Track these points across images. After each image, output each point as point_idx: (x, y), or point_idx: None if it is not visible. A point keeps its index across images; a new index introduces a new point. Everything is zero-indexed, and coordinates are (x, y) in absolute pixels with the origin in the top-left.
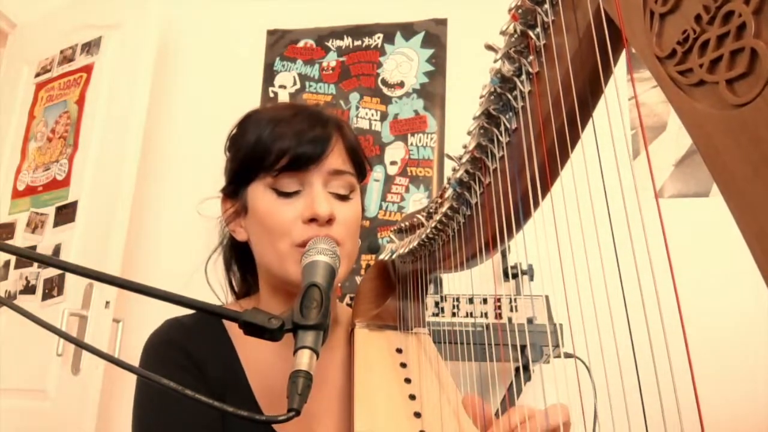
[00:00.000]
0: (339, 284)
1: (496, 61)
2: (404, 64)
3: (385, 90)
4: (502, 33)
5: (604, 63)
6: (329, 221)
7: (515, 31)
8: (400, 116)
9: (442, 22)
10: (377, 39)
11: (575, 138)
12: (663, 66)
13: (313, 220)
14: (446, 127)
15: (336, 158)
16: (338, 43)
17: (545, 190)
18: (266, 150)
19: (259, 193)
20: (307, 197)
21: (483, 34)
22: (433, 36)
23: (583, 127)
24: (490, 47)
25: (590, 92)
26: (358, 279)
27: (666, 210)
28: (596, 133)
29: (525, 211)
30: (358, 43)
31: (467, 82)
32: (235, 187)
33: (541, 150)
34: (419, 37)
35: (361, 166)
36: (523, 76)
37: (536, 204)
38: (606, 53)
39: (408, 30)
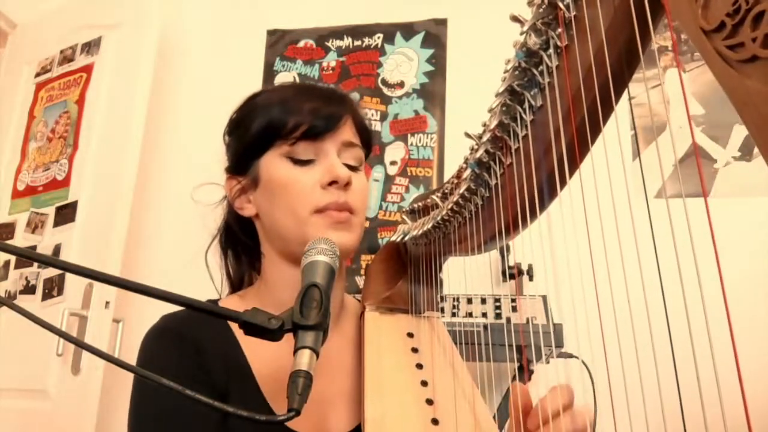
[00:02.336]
0: (351, 251)
1: (522, 33)
2: (404, 64)
3: (385, 90)
4: (530, 4)
5: (642, 34)
6: (347, 185)
7: (543, 1)
8: (400, 116)
9: (442, 22)
10: (377, 39)
11: (607, 114)
12: (709, 40)
13: (331, 183)
14: (446, 127)
15: (348, 131)
16: (338, 43)
17: (573, 169)
18: (282, 121)
19: (274, 163)
20: (323, 164)
21: (483, 34)
22: (433, 36)
23: (616, 102)
24: (515, 18)
25: (626, 66)
26: (358, 279)
27: (665, 210)
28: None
29: (550, 192)
30: (358, 43)
31: (467, 82)
32: (243, 163)
33: (569, 129)
34: (419, 37)
35: (368, 144)
36: (551, 50)
37: (563, 184)
38: (645, 24)
39: (408, 30)
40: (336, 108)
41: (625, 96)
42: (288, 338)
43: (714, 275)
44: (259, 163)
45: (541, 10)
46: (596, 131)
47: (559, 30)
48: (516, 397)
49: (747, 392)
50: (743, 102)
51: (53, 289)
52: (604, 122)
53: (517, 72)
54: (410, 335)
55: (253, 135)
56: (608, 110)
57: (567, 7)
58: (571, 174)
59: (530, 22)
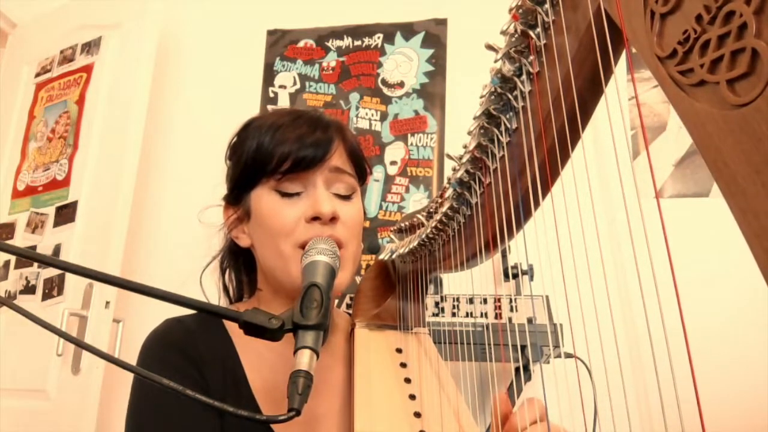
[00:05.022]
0: (343, 289)
1: (496, 60)
2: (404, 64)
3: (385, 90)
4: (503, 33)
5: (604, 63)
6: (332, 220)
7: (516, 30)
8: (400, 116)
9: (442, 22)
10: (377, 39)
11: (576, 138)
12: (664, 66)
13: (315, 219)
14: (446, 127)
15: (337, 159)
16: (338, 43)
17: (546, 189)
18: (269, 155)
19: (262, 197)
20: (309, 197)
21: (483, 34)
22: (433, 36)
23: (583, 127)
24: (490, 47)
25: (590, 92)
26: (358, 279)
27: (666, 210)
28: (597, 134)
29: (525, 210)
30: (358, 43)
31: (467, 82)
32: (237, 194)
33: (541, 150)
34: (419, 37)
35: (361, 169)
36: (524, 76)
37: (537, 204)
38: (606, 53)
39: (408, 30)
40: (322, 134)
41: (624, 95)
42: (288, 354)
43: (714, 275)
44: (251, 195)
45: (513, 39)
46: (566, 154)
47: (531, 57)
48: (496, 405)
49: (749, 389)
50: (693, 123)
51: (53, 289)
52: (573, 147)
53: (493, 97)
54: (399, 351)
55: (244, 168)
56: (576, 134)
57: (538, 36)
58: (544, 194)
59: (504, 50)
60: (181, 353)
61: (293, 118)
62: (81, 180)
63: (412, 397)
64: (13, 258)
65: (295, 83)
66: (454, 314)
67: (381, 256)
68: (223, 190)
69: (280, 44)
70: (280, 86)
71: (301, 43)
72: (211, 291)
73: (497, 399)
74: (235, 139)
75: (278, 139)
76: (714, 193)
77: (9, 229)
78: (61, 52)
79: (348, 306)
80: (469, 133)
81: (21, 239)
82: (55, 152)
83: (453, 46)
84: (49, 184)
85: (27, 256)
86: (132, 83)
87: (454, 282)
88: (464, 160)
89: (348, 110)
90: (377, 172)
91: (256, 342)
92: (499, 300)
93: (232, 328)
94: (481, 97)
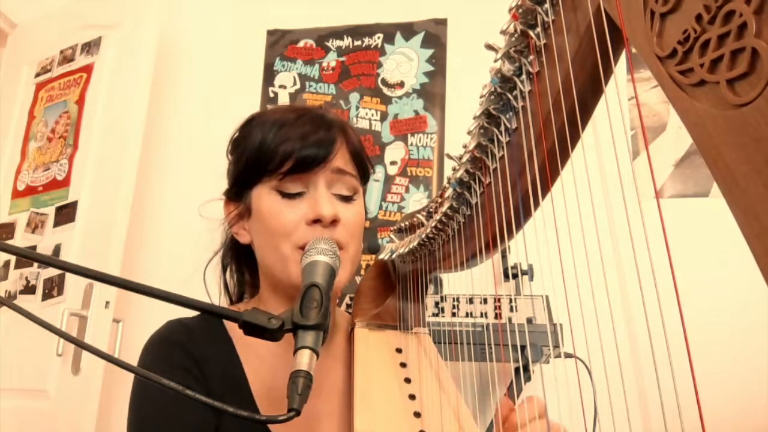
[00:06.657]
0: (342, 288)
1: (496, 60)
2: (404, 64)
3: (385, 90)
4: (503, 32)
5: (604, 63)
6: (333, 222)
7: (515, 30)
8: (400, 116)
9: (442, 22)
10: (377, 39)
11: (575, 138)
12: (664, 66)
13: (316, 221)
14: (446, 127)
15: (339, 159)
16: (338, 43)
17: (545, 190)
18: (271, 153)
19: (263, 195)
20: (310, 199)
21: (483, 34)
22: (433, 36)
23: (583, 127)
24: (490, 47)
25: (590, 92)
26: (358, 279)
27: (666, 210)
28: (596, 134)
29: (525, 210)
30: (358, 43)
31: (467, 82)
32: (238, 190)
33: (541, 150)
34: (419, 37)
35: (364, 170)
36: (524, 76)
37: (536, 204)
38: (606, 53)
39: (408, 30)
40: (325, 133)
41: (624, 95)
42: (289, 356)
43: (714, 275)
44: (252, 193)
45: (513, 38)
46: (565, 154)
47: (531, 57)
48: (498, 411)
49: (749, 390)
50: (693, 123)
51: (53, 289)
52: (573, 147)
53: (492, 96)
54: (399, 350)
55: (245, 165)
56: (576, 134)
57: (537, 35)
58: (544, 194)
59: (504, 50)
60: (182, 350)
61: (297, 116)
62: (81, 180)
63: (412, 396)
64: (13, 258)
65: (295, 83)
66: (454, 314)
67: (381, 256)
68: (225, 183)
69: (280, 44)
70: (280, 86)
71: (301, 43)
72: (214, 289)
73: (499, 404)
74: (237, 133)
75: (281, 136)
76: (714, 193)
77: (9, 229)
78: (61, 52)
79: (348, 306)
80: (469, 132)
81: (21, 239)
82: (55, 152)
83: (453, 46)
84: (49, 184)
85: (27, 256)
86: (132, 83)
87: (454, 282)
88: (464, 159)
89: (348, 110)
90: (377, 172)
91: (257, 343)
92: (498, 300)
93: (233, 329)
94: (481, 96)
